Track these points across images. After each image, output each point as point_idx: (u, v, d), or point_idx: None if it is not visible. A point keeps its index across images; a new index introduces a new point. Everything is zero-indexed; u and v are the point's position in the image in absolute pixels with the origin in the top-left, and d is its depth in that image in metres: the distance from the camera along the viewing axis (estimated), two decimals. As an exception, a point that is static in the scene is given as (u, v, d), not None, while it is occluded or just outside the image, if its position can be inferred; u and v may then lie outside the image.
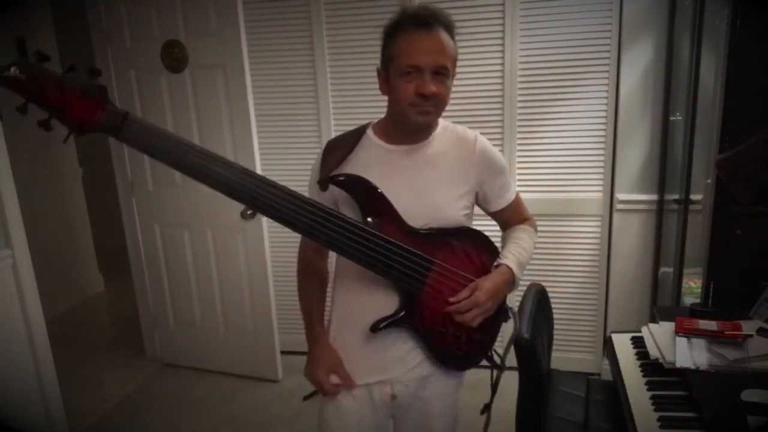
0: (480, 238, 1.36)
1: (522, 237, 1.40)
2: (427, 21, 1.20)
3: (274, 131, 3.01)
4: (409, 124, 1.25)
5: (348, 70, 2.86)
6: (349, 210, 1.27)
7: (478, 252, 1.34)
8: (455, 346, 1.34)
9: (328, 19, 2.83)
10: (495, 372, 1.42)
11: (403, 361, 1.35)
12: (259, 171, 2.75)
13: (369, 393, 1.37)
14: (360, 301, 1.33)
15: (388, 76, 1.24)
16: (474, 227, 1.36)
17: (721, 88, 1.82)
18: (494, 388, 1.42)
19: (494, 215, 1.44)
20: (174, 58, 2.75)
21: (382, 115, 1.35)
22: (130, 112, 1.11)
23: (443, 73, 1.21)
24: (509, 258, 1.32)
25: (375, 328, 1.28)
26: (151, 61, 2.80)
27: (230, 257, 2.94)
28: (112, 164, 3.06)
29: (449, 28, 1.23)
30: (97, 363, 3.35)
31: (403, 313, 1.28)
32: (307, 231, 1.20)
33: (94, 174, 4.41)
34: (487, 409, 1.45)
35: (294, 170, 2.94)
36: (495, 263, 1.33)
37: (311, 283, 1.44)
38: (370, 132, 1.33)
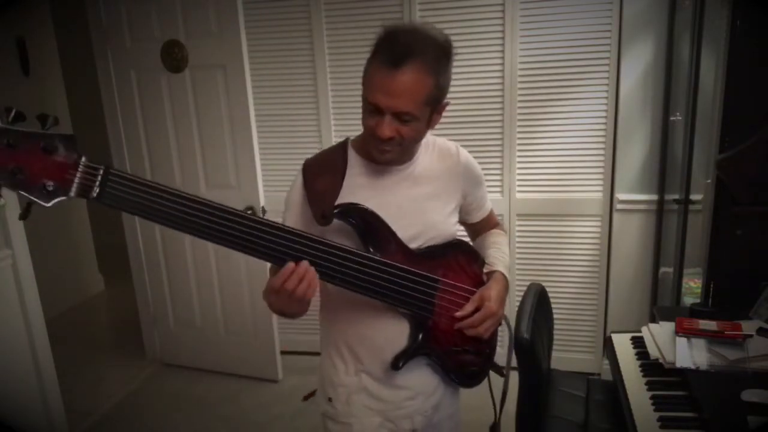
0: (466, 247, 1.32)
1: (500, 242, 1.40)
2: (397, 59, 1.05)
3: (274, 131, 3.01)
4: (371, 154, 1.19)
5: (348, 70, 2.85)
6: (344, 239, 1.16)
7: (469, 262, 1.30)
8: (469, 363, 1.29)
9: (328, 19, 2.82)
10: (496, 383, 1.37)
11: (422, 390, 1.29)
12: (259, 172, 2.75)
13: None
14: (369, 337, 1.25)
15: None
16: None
17: (721, 88, 1.82)
18: (502, 399, 1.33)
19: (472, 225, 1.42)
20: (174, 58, 2.75)
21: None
22: (111, 166, 0.91)
23: (405, 118, 1.09)
24: (499, 264, 1.31)
25: (396, 365, 1.21)
26: (151, 61, 2.79)
27: (230, 257, 2.93)
28: (112, 163, 3.06)
29: (432, 59, 1.07)
30: (97, 363, 3.35)
31: (419, 340, 1.22)
32: (326, 274, 1.10)
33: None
34: (496, 428, 1.39)
35: (294, 171, 2.90)
36: (486, 270, 1.31)
37: None
38: (352, 151, 1.23)
